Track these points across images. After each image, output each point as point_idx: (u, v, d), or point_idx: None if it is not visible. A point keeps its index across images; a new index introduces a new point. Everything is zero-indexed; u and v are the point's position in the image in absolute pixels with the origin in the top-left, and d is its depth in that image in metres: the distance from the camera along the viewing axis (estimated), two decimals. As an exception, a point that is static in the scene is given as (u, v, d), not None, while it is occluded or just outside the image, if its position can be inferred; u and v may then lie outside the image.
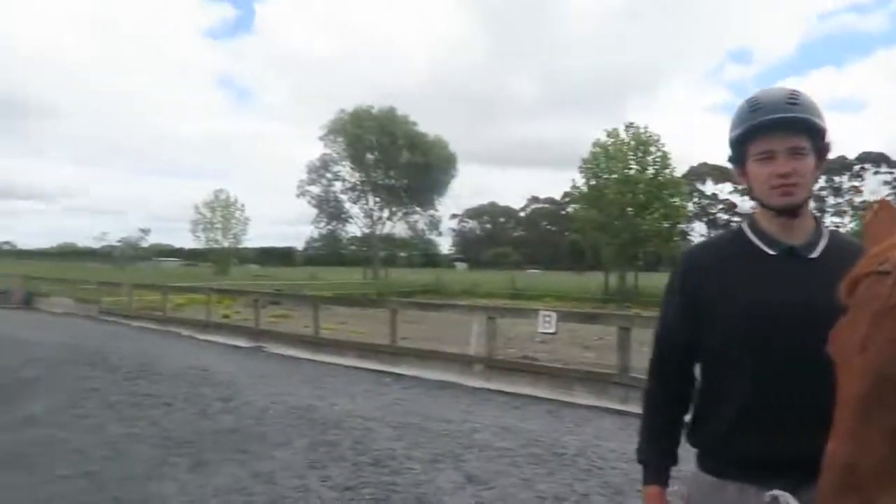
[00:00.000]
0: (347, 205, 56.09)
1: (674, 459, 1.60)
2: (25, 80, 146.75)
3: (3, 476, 4.63)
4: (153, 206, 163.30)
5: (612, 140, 39.50)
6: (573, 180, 41.64)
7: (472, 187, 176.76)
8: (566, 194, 56.30)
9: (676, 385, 1.61)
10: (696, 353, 1.57)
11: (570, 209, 53.23)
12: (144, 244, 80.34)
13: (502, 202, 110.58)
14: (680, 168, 43.34)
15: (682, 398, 1.62)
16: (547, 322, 7.47)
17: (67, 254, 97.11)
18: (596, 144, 39.89)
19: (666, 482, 1.60)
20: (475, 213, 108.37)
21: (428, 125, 65.79)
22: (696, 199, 70.73)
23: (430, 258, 74.91)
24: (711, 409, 1.51)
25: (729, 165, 1.57)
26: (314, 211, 55.84)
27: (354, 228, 57.52)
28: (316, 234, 58.83)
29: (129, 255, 74.09)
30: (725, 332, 1.46)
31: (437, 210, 58.67)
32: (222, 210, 64.72)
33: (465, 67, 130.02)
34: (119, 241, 78.16)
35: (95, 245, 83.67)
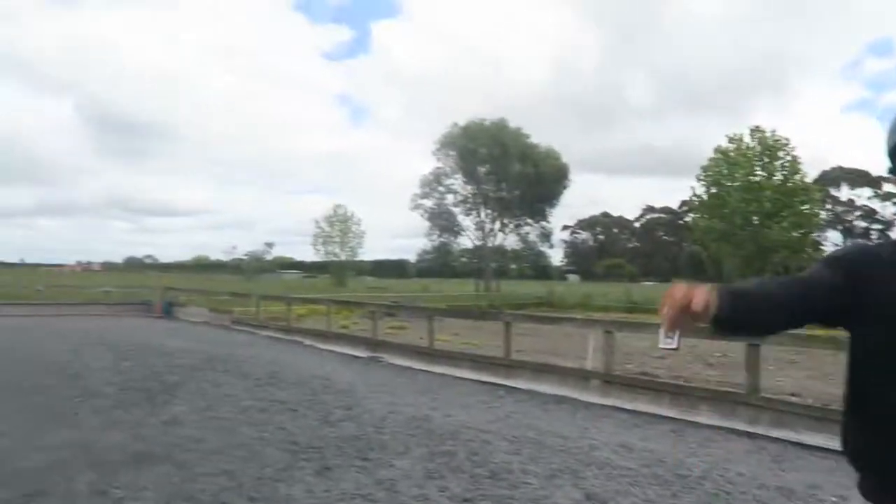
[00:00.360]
0: (459, 217, 56.78)
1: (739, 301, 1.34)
2: (169, 108, 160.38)
3: (153, 470, 5.05)
4: (278, 221, 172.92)
5: (734, 145, 37.61)
6: (692, 188, 39.94)
7: (584, 197, 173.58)
8: (684, 203, 54.17)
9: (783, 296, 1.41)
10: (809, 316, 1.42)
11: (688, 218, 51.11)
12: (269, 257, 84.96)
13: (615, 212, 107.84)
14: (811, 173, 40.58)
15: (780, 303, 1.39)
16: (669, 337, 7.17)
17: (201, 266, 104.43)
18: (717, 150, 38.13)
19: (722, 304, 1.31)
20: (587, 224, 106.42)
21: (540, 135, 65.23)
22: (829, 207, 65.79)
23: (542, 270, 74.17)
24: (871, 427, 1.40)
25: (887, 175, 1.45)
26: (427, 224, 56.93)
27: (466, 240, 58.10)
28: (428, 246, 59.92)
29: (255, 268, 78.61)
30: (888, 341, 1.34)
31: (548, 221, 58.18)
32: (340, 224, 67.34)
33: (578, 74, 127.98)
34: (246, 255, 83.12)
35: (225, 258, 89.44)
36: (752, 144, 37.25)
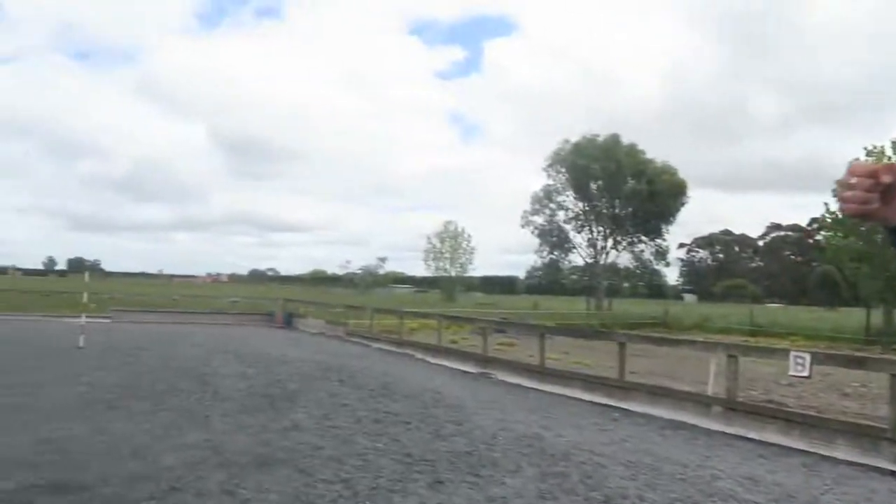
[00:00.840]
0: (570, 234, 55.91)
1: None
2: (292, 131, 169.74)
3: (276, 474, 5.29)
4: (390, 237, 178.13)
5: (874, 158, 34.73)
6: (825, 204, 37.19)
7: (703, 214, 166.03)
8: (814, 220, 50.40)
9: None
10: None
11: (819, 237, 47.57)
12: (382, 271, 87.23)
13: (737, 229, 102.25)
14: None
15: None
16: (799, 364, 6.70)
17: (318, 279, 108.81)
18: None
19: None
20: (706, 242, 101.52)
21: (656, 150, 63.21)
22: None
23: (656, 289, 71.48)
24: None
25: None
26: (537, 240, 56.46)
27: (576, 258, 57.09)
28: (538, 263, 59.36)
29: (368, 282, 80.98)
30: None
31: (664, 239, 56.07)
32: (451, 240, 68.17)
33: (696, 87, 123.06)
34: (360, 269, 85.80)
35: (340, 272, 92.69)
36: (893, 156, 34.23)
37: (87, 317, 15.52)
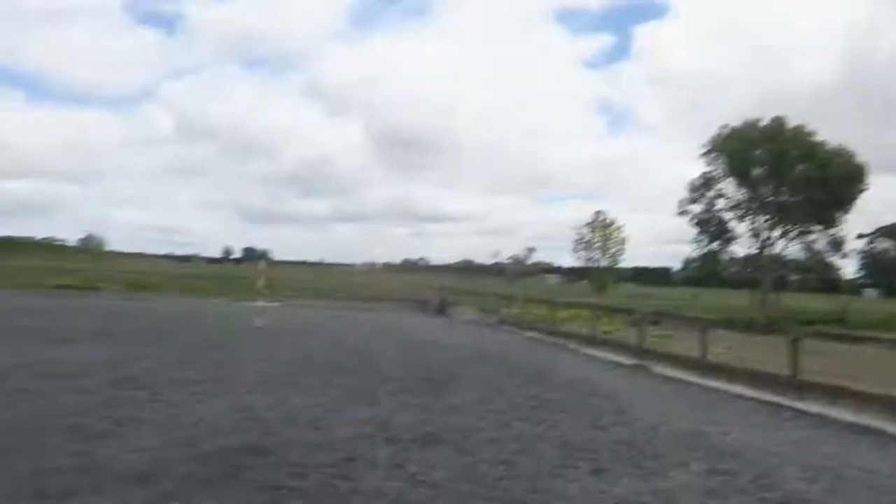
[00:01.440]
0: (731, 224, 52.46)
1: None
2: (444, 123, 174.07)
3: (439, 451, 5.52)
4: (539, 227, 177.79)
5: None
6: None
7: (887, 202, 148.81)
8: None
9: None
10: None
11: None
12: (530, 261, 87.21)
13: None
14: None
15: None
16: None
17: (468, 269, 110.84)
18: None
19: None
20: (891, 232, 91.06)
21: (829, 133, 57.30)
22: None
23: (830, 283, 65.33)
24: None
25: None
26: (694, 230, 53.59)
27: (738, 248, 53.48)
28: (695, 253, 56.36)
29: (517, 272, 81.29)
30: None
31: (840, 228, 50.99)
32: (601, 230, 66.66)
33: (876, 64, 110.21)
34: (509, 259, 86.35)
35: (489, 262, 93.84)
36: None
37: (262, 301, 16.96)
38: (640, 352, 13.07)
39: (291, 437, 5.71)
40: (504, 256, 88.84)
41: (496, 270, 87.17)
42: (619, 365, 12.62)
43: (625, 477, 5.08)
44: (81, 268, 41.90)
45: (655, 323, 17.38)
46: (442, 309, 25.90)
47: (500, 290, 38.11)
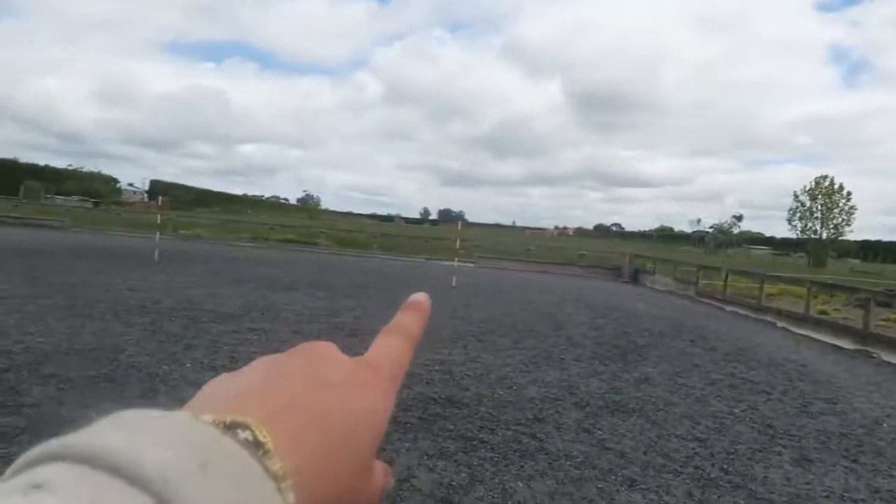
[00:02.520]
0: None
1: None
2: (645, 81, 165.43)
3: (628, 421, 5.47)
4: (748, 193, 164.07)
5: None
6: None
7: None
8: None
9: None
10: None
11: None
12: (735, 230, 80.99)
13: None
14: None
15: None
16: None
17: (664, 236, 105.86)
18: None
19: None
20: None
21: None
22: None
23: None
24: None
25: None
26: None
27: None
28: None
29: (719, 241, 75.98)
30: None
31: None
32: (824, 198, 59.83)
33: None
34: (711, 227, 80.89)
35: (689, 230, 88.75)
36: None
37: (458, 260, 17.66)
38: (864, 336, 11.70)
39: (482, 392, 5.98)
40: (706, 224, 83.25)
41: (696, 239, 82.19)
42: (836, 349, 11.42)
43: (835, 470, 4.67)
44: (300, 224, 46.48)
45: (885, 304, 15.39)
46: (635, 277, 25.11)
47: (699, 259, 35.95)
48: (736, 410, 6.20)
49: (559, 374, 7.10)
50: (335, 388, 0.33)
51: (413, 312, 0.42)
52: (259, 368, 0.34)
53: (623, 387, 6.76)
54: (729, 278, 19.01)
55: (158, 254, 16.87)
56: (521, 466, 4.18)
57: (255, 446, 0.27)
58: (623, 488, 4.01)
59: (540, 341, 9.09)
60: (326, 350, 0.36)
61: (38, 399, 4.64)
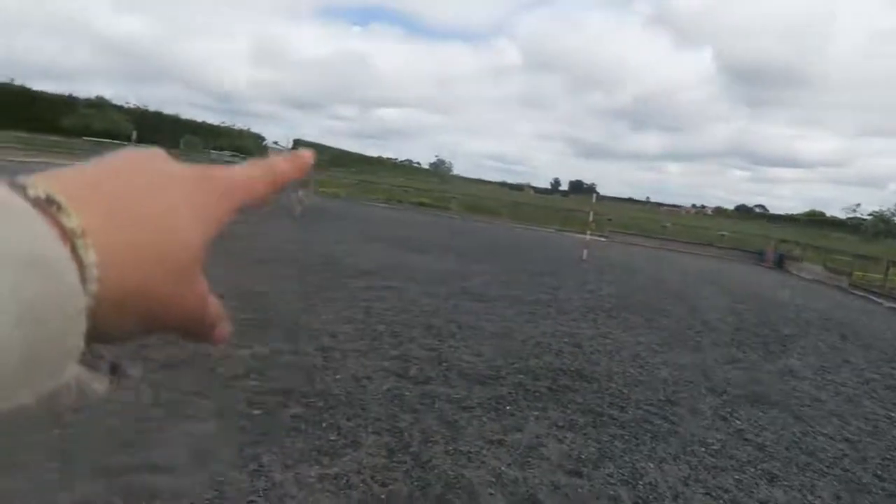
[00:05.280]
0: None
1: None
2: (805, 53, 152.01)
3: (769, 413, 5.15)
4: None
5: None
6: None
7: None
8: None
9: None
10: None
11: None
12: (900, 219, 73.16)
13: None
14: None
15: None
16: None
17: (814, 221, 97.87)
18: None
19: None
20: None
21: None
22: None
23: None
24: None
25: None
26: None
27: None
28: None
29: (879, 229, 69.08)
30: None
31: None
32: None
33: None
34: (871, 214, 73.62)
35: (843, 215, 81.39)
36: None
37: (590, 234, 17.29)
38: None
39: (613, 369, 5.85)
40: (864, 211, 75.86)
41: (852, 226, 75.16)
42: None
43: None
44: (432, 188, 47.31)
45: None
46: (780, 263, 23.44)
47: (856, 248, 32.90)
48: (893, 414, 5.67)
49: (694, 357, 6.80)
50: (154, 180, 0.31)
51: (288, 161, 0.39)
52: (86, 165, 0.31)
53: (764, 377, 6.36)
54: (890, 270, 17.28)
55: (300, 210, 17.83)
56: (653, 448, 4.06)
57: (48, 203, 0.26)
58: (763, 482, 3.79)
59: (674, 322, 8.74)
60: (155, 153, 0.34)
61: (198, 335, 5.07)
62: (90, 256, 0.26)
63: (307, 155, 0.40)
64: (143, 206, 0.29)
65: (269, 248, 10.41)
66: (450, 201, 34.55)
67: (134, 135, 24.35)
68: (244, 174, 0.36)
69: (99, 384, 0.29)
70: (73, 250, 0.25)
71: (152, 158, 0.32)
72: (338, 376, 4.58)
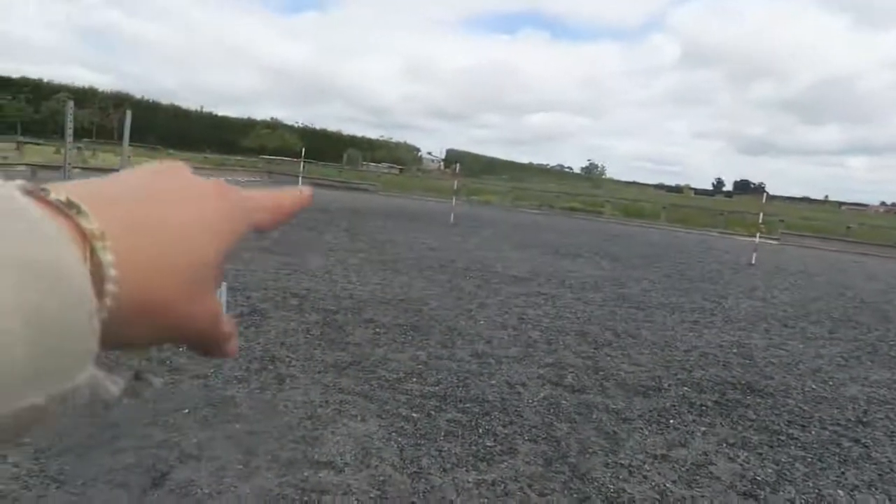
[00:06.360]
0: None
1: None
2: None
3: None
4: None
5: None
6: None
7: None
8: None
9: None
10: None
11: None
12: None
13: None
14: None
15: None
16: None
17: None
18: None
19: None
20: None
21: None
22: None
23: None
24: None
25: None
26: None
27: None
28: None
29: None
30: None
31: None
32: None
33: None
34: None
35: None
36: None
37: (759, 236, 16.05)
38: None
39: (790, 383, 5.35)
40: None
41: None
42: None
43: None
44: (584, 192, 46.41)
45: None
46: None
47: None
48: None
49: (889, 373, 6.04)
50: (174, 194, 0.31)
51: (294, 196, 0.39)
52: (109, 177, 0.32)
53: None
54: None
55: (454, 217, 18.20)
56: (842, 473, 3.65)
57: (68, 206, 0.26)
58: (983, 522, 3.27)
59: (862, 333, 7.85)
60: (178, 167, 0.34)
61: (359, 340, 5.32)
62: (109, 258, 0.26)
63: (307, 193, 0.41)
64: (162, 218, 0.30)
65: (422, 254, 10.72)
66: (603, 205, 33.67)
67: (303, 151, 26.21)
68: (255, 196, 0.37)
69: (115, 388, 0.28)
70: (93, 253, 0.26)
71: (174, 172, 0.34)
72: (492, 382, 4.59)
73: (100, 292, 0.26)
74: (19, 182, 0.26)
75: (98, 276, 0.26)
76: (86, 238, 0.26)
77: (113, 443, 3.15)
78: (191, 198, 0.32)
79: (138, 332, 0.29)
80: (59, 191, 0.27)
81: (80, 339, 0.24)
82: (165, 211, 0.30)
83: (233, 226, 0.34)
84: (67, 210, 0.26)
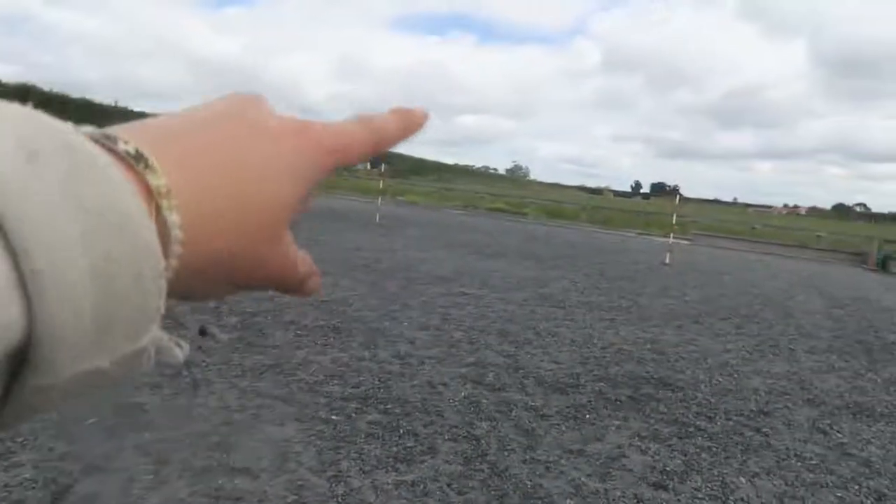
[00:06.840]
0: None
1: None
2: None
3: (873, 426, 4.79)
4: None
5: None
6: None
7: None
8: None
9: None
10: None
11: None
12: None
13: None
14: None
15: None
16: None
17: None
18: None
19: None
20: None
21: None
22: None
23: None
24: None
25: None
26: None
27: None
28: None
29: None
30: None
31: None
32: None
33: None
34: None
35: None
36: None
37: (672, 237, 16.74)
38: None
39: (699, 377, 5.60)
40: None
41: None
42: None
43: None
44: (508, 194, 47.17)
45: None
46: (884, 264, 21.97)
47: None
48: None
49: (788, 365, 6.43)
50: (247, 130, 0.29)
51: (398, 116, 0.36)
52: (178, 113, 0.30)
53: (868, 387, 5.94)
54: None
55: (379, 217, 18.12)
56: (744, 461, 3.85)
57: (137, 159, 0.24)
58: (869, 501, 3.52)
59: (765, 328, 8.31)
60: (253, 99, 0.32)
61: (279, 342, 5.21)
62: (174, 218, 0.25)
63: (420, 114, 0.37)
64: (232, 160, 0.28)
65: (347, 254, 10.62)
66: (526, 206, 34.31)
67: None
68: (345, 130, 0.34)
69: (180, 351, 0.26)
70: (158, 211, 0.24)
71: (249, 106, 0.31)
72: (414, 382, 4.59)
73: (165, 252, 0.24)
74: (88, 129, 0.25)
75: (164, 234, 0.24)
76: (152, 195, 0.24)
77: (8, 457, 2.96)
78: (264, 135, 0.30)
79: (208, 286, 0.28)
80: (129, 138, 0.25)
81: (147, 298, 0.23)
82: (234, 152, 0.29)
83: (312, 165, 0.31)
84: (135, 164, 0.25)
